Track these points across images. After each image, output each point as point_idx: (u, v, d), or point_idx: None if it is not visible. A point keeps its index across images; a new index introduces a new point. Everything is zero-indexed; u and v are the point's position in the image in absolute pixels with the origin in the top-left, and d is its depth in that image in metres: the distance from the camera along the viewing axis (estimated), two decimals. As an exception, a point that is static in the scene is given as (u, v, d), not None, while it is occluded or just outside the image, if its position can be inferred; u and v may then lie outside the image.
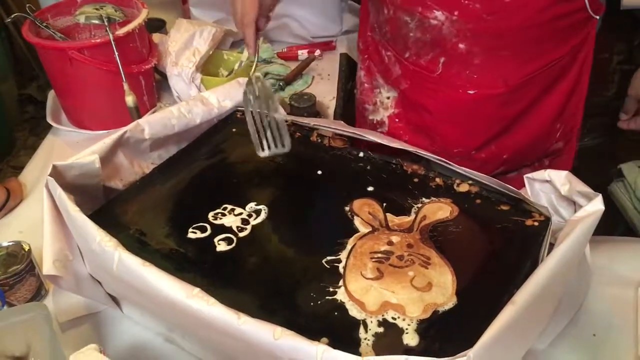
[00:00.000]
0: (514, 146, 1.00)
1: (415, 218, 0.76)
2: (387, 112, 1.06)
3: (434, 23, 0.88)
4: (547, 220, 0.73)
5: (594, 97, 1.19)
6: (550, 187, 0.74)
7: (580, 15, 0.87)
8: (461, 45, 0.88)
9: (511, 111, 0.95)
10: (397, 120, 1.05)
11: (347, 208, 0.78)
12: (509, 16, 0.84)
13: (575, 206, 0.71)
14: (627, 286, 0.80)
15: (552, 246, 0.64)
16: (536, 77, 0.91)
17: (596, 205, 0.65)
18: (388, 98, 1.05)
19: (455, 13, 0.85)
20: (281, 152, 0.80)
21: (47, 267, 0.71)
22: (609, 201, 1.41)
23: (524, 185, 0.77)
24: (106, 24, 1.11)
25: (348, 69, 1.45)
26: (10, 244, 0.83)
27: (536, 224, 0.73)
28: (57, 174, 0.75)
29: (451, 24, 0.87)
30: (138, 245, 0.73)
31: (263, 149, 0.79)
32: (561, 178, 0.72)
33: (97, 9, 1.13)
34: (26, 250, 0.82)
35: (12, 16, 1.21)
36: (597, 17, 0.89)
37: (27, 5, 1.19)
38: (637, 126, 1.09)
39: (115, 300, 0.79)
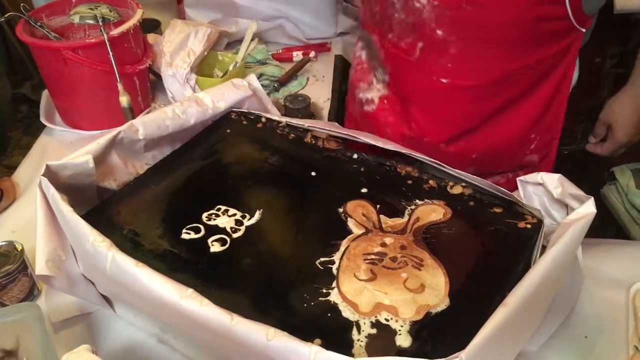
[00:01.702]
0: (484, 148, 1.01)
1: (409, 220, 0.76)
2: (379, 92, 1.08)
3: (417, 6, 0.90)
4: (540, 222, 0.73)
5: (587, 101, 1.20)
6: (543, 190, 0.75)
7: (562, 23, 0.87)
8: (439, 32, 0.90)
9: (483, 108, 0.96)
10: (385, 101, 1.07)
11: (340, 209, 0.78)
12: (487, 9, 0.85)
13: (568, 209, 0.72)
14: (618, 288, 0.80)
15: (544, 248, 0.64)
16: (511, 78, 0.92)
17: (588, 208, 0.66)
18: (384, 80, 1.06)
19: None
20: None
21: (40, 267, 0.71)
22: (601, 204, 1.41)
23: (517, 188, 0.78)
24: (101, 24, 1.11)
25: (343, 70, 1.45)
26: (3, 243, 0.82)
27: (529, 226, 0.73)
28: (50, 173, 0.75)
29: (432, 9, 0.88)
30: (131, 245, 0.73)
31: None
32: (554, 181, 0.72)
33: (91, 9, 1.13)
34: (19, 250, 0.81)
35: (7, 15, 1.21)
36: (583, 30, 0.89)
37: (22, 4, 1.19)
38: (602, 151, 1.10)
39: (108, 300, 0.79)
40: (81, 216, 0.70)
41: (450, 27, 0.89)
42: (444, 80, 0.94)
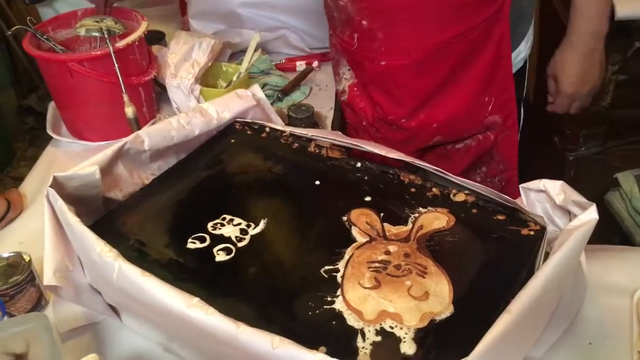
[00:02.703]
0: (443, 117, 1.08)
1: (412, 228, 0.76)
2: (348, 82, 1.16)
3: (341, 4, 1.00)
4: (543, 229, 0.74)
5: (589, 107, 1.20)
6: (545, 197, 0.75)
7: None
8: (364, 22, 0.99)
9: (427, 82, 1.03)
10: (355, 89, 1.16)
11: (344, 218, 0.79)
12: None
13: (570, 215, 0.72)
14: (622, 295, 0.80)
15: (547, 255, 0.65)
16: (443, 51, 0.98)
17: (590, 215, 0.66)
18: (349, 70, 1.15)
19: None
20: None
21: (48, 278, 0.71)
22: (605, 210, 1.42)
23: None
24: (106, 36, 1.12)
25: (346, 79, 1.46)
26: (11, 254, 0.83)
27: (532, 233, 0.74)
28: (57, 185, 0.76)
29: (352, 4, 0.98)
30: (137, 255, 0.73)
31: None
32: (556, 188, 0.72)
33: (97, 22, 1.14)
34: (27, 261, 0.82)
35: (13, 29, 1.22)
36: None
37: (28, 18, 1.21)
38: (553, 109, 1.13)
39: (114, 310, 0.80)
40: (88, 227, 0.70)
41: (370, 16, 0.98)
42: (382, 63, 1.02)
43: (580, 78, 1.06)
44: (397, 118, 1.10)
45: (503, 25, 0.98)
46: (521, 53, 1.11)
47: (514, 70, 1.08)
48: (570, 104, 1.10)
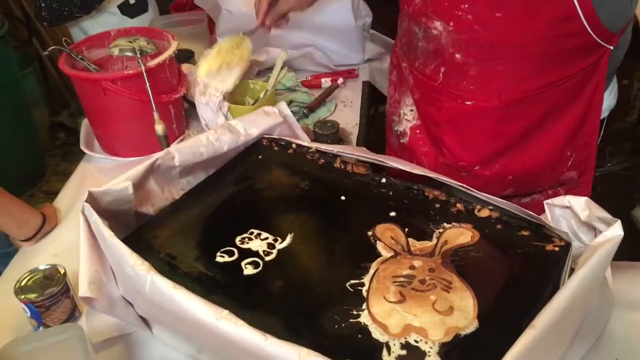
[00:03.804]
0: (520, 168, 1.01)
1: (437, 243, 0.77)
2: (409, 123, 1.11)
3: (435, 33, 0.93)
4: (568, 245, 0.74)
5: (615, 123, 1.19)
6: (570, 213, 0.75)
7: (581, 40, 0.87)
8: (457, 56, 0.93)
9: (511, 129, 0.97)
10: (417, 131, 1.10)
11: (369, 233, 0.80)
12: (500, 30, 0.87)
13: (596, 232, 0.72)
14: (650, 311, 0.80)
15: (572, 271, 0.65)
16: (535, 97, 0.93)
17: (615, 231, 0.66)
18: (411, 110, 1.09)
19: (451, 24, 0.90)
20: None
21: (83, 290, 0.74)
22: (632, 226, 1.40)
23: (544, 211, 0.78)
24: (138, 56, 1.16)
25: (370, 96, 1.47)
26: (47, 267, 0.86)
27: (557, 249, 0.74)
28: (92, 200, 0.79)
29: (448, 34, 0.92)
30: (168, 268, 0.75)
31: None
32: (581, 204, 0.73)
33: (130, 42, 1.18)
34: (62, 273, 0.85)
35: (49, 49, 1.27)
36: (610, 47, 0.89)
37: (64, 39, 1.25)
38: None
39: (145, 321, 0.82)
40: (121, 240, 0.73)
41: (467, 50, 0.92)
42: (468, 103, 0.96)
43: None
44: (471, 164, 1.03)
45: (599, 78, 0.93)
46: (604, 102, 1.02)
47: None
48: None
